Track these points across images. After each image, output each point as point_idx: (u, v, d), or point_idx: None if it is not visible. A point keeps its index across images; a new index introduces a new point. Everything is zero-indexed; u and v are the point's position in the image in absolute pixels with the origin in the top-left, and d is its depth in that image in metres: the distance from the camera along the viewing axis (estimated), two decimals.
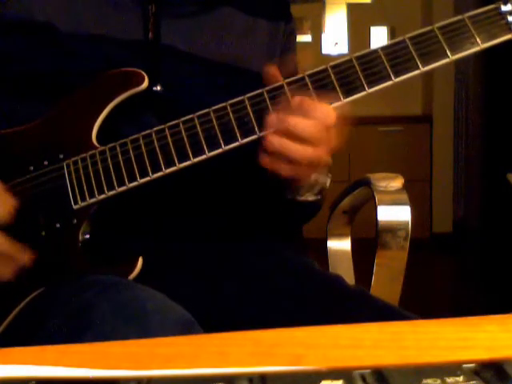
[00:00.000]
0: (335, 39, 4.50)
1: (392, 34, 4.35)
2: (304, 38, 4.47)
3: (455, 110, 4.30)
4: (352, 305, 0.80)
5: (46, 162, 0.81)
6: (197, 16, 0.90)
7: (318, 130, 0.75)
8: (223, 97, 0.79)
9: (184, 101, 0.85)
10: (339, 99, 0.77)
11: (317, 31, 4.49)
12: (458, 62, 4.22)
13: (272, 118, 0.76)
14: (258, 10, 0.94)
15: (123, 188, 0.78)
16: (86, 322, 0.62)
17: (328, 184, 0.88)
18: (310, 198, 0.87)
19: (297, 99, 0.77)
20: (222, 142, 0.78)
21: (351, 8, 4.46)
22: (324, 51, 4.48)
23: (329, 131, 0.76)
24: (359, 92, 0.78)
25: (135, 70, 0.82)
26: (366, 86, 0.77)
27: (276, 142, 0.75)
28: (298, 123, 0.75)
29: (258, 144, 0.78)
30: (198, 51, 0.88)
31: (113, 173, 0.79)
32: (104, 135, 0.81)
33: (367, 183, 1.02)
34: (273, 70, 0.80)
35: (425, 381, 0.37)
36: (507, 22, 0.78)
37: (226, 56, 0.90)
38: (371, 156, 4.03)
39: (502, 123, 3.77)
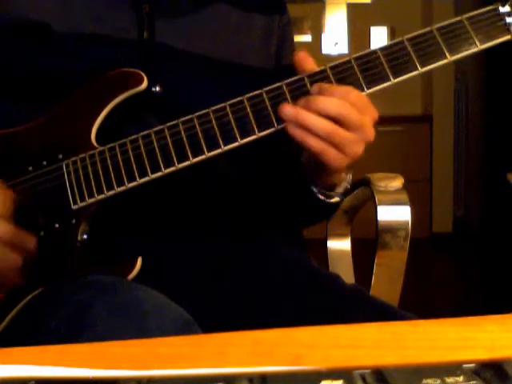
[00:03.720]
0: (335, 39, 4.50)
1: (392, 34, 4.35)
2: (304, 37, 4.47)
3: (455, 110, 4.31)
4: (349, 304, 0.80)
5: (44, 163, 0.81)
6: (191, 14, 0.90)
7: (342, 107, 0.74)
8: (222, 93, 0.79)
9: (183, 100, 0.85)
10: None
11: (317, 31, 4.49)
12: (457, 62, 4.22)
13: (290, 106, 0.76)
14: (252, 4, 0.94)
15: (122, 188, 0.78)
16: (84, 323, 0.62)
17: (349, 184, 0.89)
18: (333, 199, 0.88)
19: (315, 86, 0.77)
20: (221, 142, 0.78)
21: (351, 8, 4.46)
22: (324, 51, 4.48)
23: (362, 113, 0.76)
24: None
25: (134, 70, 0.82)
26: (364, 86, 0.78)
27: (299, 114, 0.74)
28: (321, 100, 0.75)
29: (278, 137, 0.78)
30: (193, 49, 0.88)
31: (112, 173, 0.79)
32: (104, 136, 0.81)
33: (367, 183, 1.02)
34: (302, 58, 0.79)
35: (425, 381, 0.37)
36: (505, 23, 0.78)
37: (222, 52, 0.90)
38: (371, 156, 4.02)
39: (502, 123, 3.77)
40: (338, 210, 0.97)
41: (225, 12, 0.92)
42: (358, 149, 0.77)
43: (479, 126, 4.23)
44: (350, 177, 0.88)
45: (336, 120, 0.75)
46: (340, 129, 0.75)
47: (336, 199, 0.88)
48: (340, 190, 0.87)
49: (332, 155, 0.76)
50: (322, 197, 0.86)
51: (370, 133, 0.78)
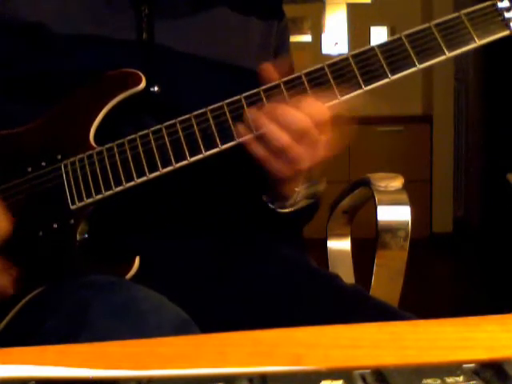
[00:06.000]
0: (335, 39, 4.50)
1: (392, 33, 4.35)
2: (304, 37, 4.47)
3: (455, 110, 4.31)
4: (349, 304, 0.80)
5: (43, 163, 0.81)
6: (190, 16, 0.90)
7: (307, 126, 0.74)
8: (220, 95, 0.79)
9: (181, 100, 0.85)
10: (336, 97, 0.77)
11: (317, 31, 4.49)
12: (457, 62, 4.22)
13: (253, 111, 0.76)
14: (251, 8, 0.94)
15: (120, 188, 0.78)
16: (82, 323, 0.62)
17: (318, 189, 0.88)
18: (287, 209, 0.86)
19: (285, 97, 0.76)
20: (218, 141, 0.77)
21: (351, 8, 4.46)
22: (324, 51, 4.49)
23: (320, 132, 0.76)
24: (355, 90, 0.77)
25: (133, 70, 0.82)
26: (362, 83, 0.77)
27: (263, 123, 0.74)
28: (287, 113, 0.74)
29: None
30: (192, 51, 0.88)
31: (110, 173, 0.79)
32: (102, 136, 0.81)
33: (367, 183, 1.02)
34: (268, 69, 0.80)
35: (425, 381, 0.37)
36: (503, 19, 0.78)
37: (220, 54, 0.90)
38: (371, 156, 4.03)
39: (502, 123, 3.77)
40: (296, 223, 0.95)
41: (224, 15, 0.92)
42: (305, 164, 0.77)
43: (479, 126, 4.23)
44: (301, 191, 0.87)
45: (293, 133, 0.74)
46: (294, 144, 0.75)
47: (284, 210, 0.86)
48: (290, 202, 0.86)
49: (278, 167, 0.76)
50: (271, 206, 0.86)
51: (322, 152, 0.77)
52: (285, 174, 0.78)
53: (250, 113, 0.76)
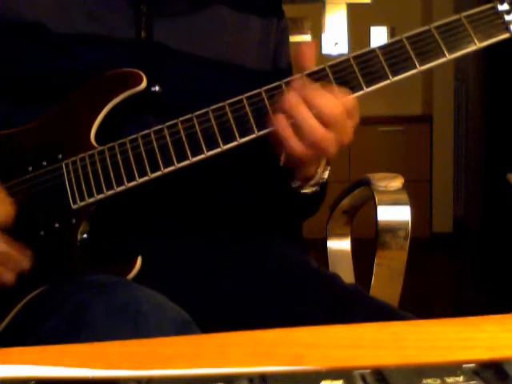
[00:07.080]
0: (335, 39, 4.50)
1: (392, 34, 4.35)
2: (304, 38, 4.47)
3: (455, 110, 4.31)
4: (349, 304, 0.80)
5: (44, 163, 0.81)
6: (189, 14, 0.90)
7: (338, 110, 0.74)
8: (220, 94, 0.79)
9: (182, 100, 0.85)
10: None
11: (317, 31, 4.49)
12: (457, 62, 4.23)
13: (293, 92, 0.75)
14: (250, 7, 0.94)
15: (122, 188, 0.78)
16: (82, 323, 0.62)
17: (326, 176, 0.88)
18: (308, 190, 0.87)
19: (316, 84, 0.76)
20: (220, 141, 0.78)
21: (351, 8, 4.46)
22: (324, 51, 4.49)
23: (348, 118, 0.75)
24: (357, 91, 0.78)
25: (134, 70, 0.82)
26: (363, 85, 0.77)
27: (297, 108, 0.73)
28: (320, 95, 0.74)
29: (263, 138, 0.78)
30: (190, 49, 0.88)
31: (111, 172, 0.79)
32: (103, 136, 0.81)
33: (367, 183, 1.02)
34: (307, 49, 0.79)
35: (425, 381, 0.37)
36: (504, 21, 0.78)
37: (219, 53, 0.90)
38: (371, 156, 4.02)
39: (502, 123, 3.77)
40: (317, 205, 0.95)
41: (223, 13, 0.92)
42: (333, 149, 0.77)
43: (479, 127, 4.23)
44: (326, 172, 0.87)
45: (324, 118, 0.74)
46: (325, 131, 0.74)
47: (308, 190, 0.86)
48: (312, 182, 0.86)
49: (308, 153, 0.76)
50: (297, 184, 0.85)
51: (348, 137, 0.77)
52: (311, 160, 0.78)
53: (287, 100, 0.74)
